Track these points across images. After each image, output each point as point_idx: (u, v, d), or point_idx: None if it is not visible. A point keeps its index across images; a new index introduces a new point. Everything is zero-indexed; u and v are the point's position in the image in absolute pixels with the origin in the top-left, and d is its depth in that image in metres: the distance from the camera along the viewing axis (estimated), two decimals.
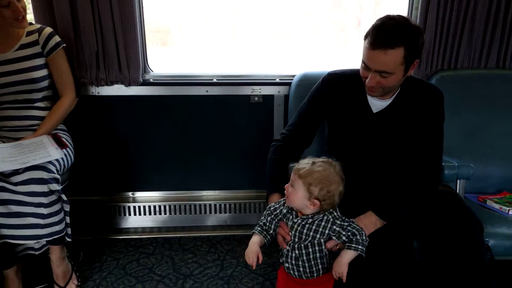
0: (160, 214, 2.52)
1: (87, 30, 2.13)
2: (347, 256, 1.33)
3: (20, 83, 1.88)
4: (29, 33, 1.91)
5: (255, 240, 1.43)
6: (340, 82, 1.65)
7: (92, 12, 2.10)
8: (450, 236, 1.42)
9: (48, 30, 1.94)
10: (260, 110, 2.40)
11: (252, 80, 2.38)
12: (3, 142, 1.83)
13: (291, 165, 1.69)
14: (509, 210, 1.83)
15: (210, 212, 2.54)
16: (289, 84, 2.27)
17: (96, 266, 2.15)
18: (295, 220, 1.37)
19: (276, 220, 1.43)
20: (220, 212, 2.55)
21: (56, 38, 1.94)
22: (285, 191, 1.38)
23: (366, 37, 1.43)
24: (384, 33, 1.36)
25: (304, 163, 1.36)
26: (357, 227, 1.35)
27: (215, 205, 2.53)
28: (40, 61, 1.92)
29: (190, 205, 2.53)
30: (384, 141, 1.62)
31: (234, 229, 2.53)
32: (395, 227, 1.51)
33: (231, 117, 2.42)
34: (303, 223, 1.35)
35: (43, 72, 1.93)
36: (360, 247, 1.32)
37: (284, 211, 1.41)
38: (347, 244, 1.34)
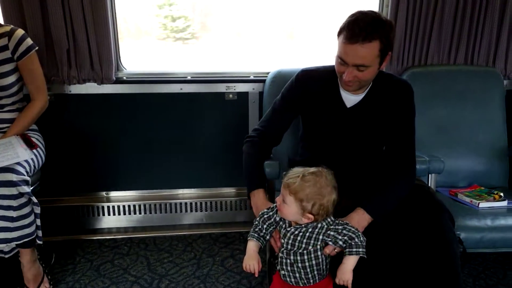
0: (135, 213, 2.49)
1: (57, 26, 2.08)
2: (351, 262, 1.31)
3: None
4: None
5: (253, 247, 1.39)
6: (313, 78, 1.66)
7: (63, 8, 2.06)
8: (422, 229, 1.44)
9: (19, 33, 1.84)
10: (235, 107, 2.39)
11: (226, 77, 2.37)
12: None
13: (266, 162, 1.70)
14: (479, 203, 1.88)
15: (186, 211, 2.53)
16: (263, 81, 2.27)
17: (69, 268, 2.11)
18: (288, 229, 1.34)
19: (271, 228, 1.41)
20: (196, 211, 2.54)
21: (28, 42, 1.85)
22: (276, 203, 1.36)
23: (340, 32, 1.45)
24: (361, 27, 1.38)
25: (294, 176, 1.31)
26: (353, 229, 1.32)
27: (191, 203, 2.52)
28: (9, 66, 1.84)
29: (166, 204, 2.50)
30: (358, 135, 1.64)
31: (211, 227, 2.52)
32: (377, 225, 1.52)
33: (206, 115, 2.41)
34: (296, 232, 1.33)
35: (12, 78, 1.85)
36: (360, 250, 1.30)
37: (277, 219, 1.39)
38: (347, 250, 1.31)
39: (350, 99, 1.61)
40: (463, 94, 2.24)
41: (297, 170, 1.34)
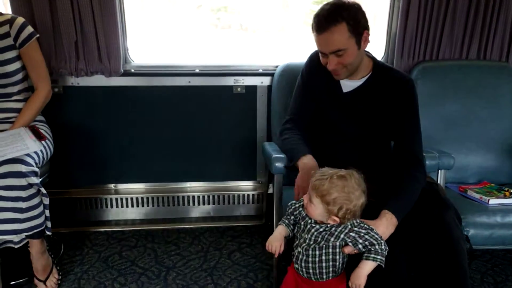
0: (143, 206, 2.50)
1: (65, 19, 2.07)
2: (367, 267, 1.29)
3: None
4: (0, 25, 1.82)
5: (281, 230, 1.42)
6: (319, 62, 1.69)
7: (71, 0, 2.05)
8: (427, 227, 1.44)
9: (20, 20, 1.85)
10: (243, 101, 2.38)
11: (235, 70, 2.36)
12: None
13: (274, 156, 1.72)
14: (489, 199, 1.86)
15: (193, 204, 2.53)
16: (272, 74, 2.26)
17: (78, 260, 2.13)
18: (314, 225, 1.34)
19: (297, 220, 1.42)
20: (204, 204, 2.54)
21: (29, 29, 1.86)
22: (303, 201, 1.36)
23: (311, 28, 1.53)
24: (323, 16, 1.47)
25: (322, 178, 1.29)
26: (376, 236, 1.30)
27: (198, 196, 2.52)
28: (12, 53, 1.84)
29: (173, 197, 2.51)
30: (354, 121, 1.66)
31: (218, 221, 2.53)
32: None
33: (214, 108, 2.40)
34: (321, 229, 1.32)
35: (16, 65, 1.86)
36: (379, 257, 1.28)
37: (303, 213, 1.38)
38: (365, 254, 1.30)
39: (348, 84, 1.65)
40: (474, 89, 2.21)
41: (326, 171, 1.31)
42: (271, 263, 2.10)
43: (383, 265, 1.29)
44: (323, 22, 1.46)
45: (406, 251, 1.48)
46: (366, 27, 1.52)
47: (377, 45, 2.40)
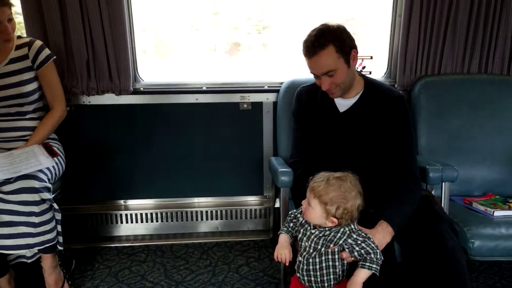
0: (152, 221, 2.54)
1: (77, 40, 2.15)
2: (361, 275, 1.33)
3: (11, 97, 1.89)
4: (19, 47, 1.91)
5: (285, 238, 1.47)
6: (309, 91, 1.83)
7: (83, 22, 2.13)
8: (421, 238, 1.48)
9: (38, 43, 1.94)
10: (250, 117, 2.43)
11: (241, 87, 2.41)
12: None
13: (280, 170, 1.77)
14: (493, 211, 1.86)
15: (202, 219, 2.56)
16: (277, 91, 2.31)
17: (89, 274, 2.16)
18: (313, 231, 1.37)
19: (296, 227, 1.46)
20: (212, 219, 2.57)
21: (46, 51, 1.94)
22: (302, 206, 1.40)
23: (303, 53, 1.63)
24: (311, 42, 1.57)
25: (319, 180, 1.35)
26: (372, 245, 1.33)
27: (206, 211, 2.55)
28: (29, 75, 1.92)
29: (182, 212, 2.55)
30: (353, 139, 1.72)
31: (226, 236, 2.55)
32: None
33: (221, 124, 2.45)
34: (320, 234, 1.36)
35: (33, 86, 1.94)
36: (374, 266, 1.32)
37: (302, 220, 1.43)
38: (361, 262, 1.33)
39: (343, 104, 1.74)
40: (477, 102, 2.23)
41: (322, 174, 1.37)
42: (279, 276, 2.12)
43: (377, 274, 1.32)
44: (311, 47, 1.57)
45: (403, 262, 1.51)
46: (353, 46, 1.62)
47: (379, 61, 2.45)
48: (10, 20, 1.80)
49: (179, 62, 2.73)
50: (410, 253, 1.51)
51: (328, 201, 1.31)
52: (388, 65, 2.44)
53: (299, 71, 2.02)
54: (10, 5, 1.78)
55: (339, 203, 1.31)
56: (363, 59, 2.33)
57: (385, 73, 2.45)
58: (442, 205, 1.80)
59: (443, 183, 1.83)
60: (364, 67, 2.34)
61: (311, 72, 1.65)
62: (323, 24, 1.61)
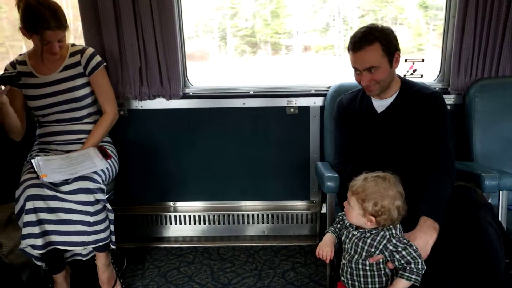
0: (200, 223, 2.59)
1: (131, 48, 2.25)
2: (399, 285, 1.31)
3: (65, 102, 1.99)
4: (72, 54, 2.02)
5: (330, 237, 1.49)
6: (350, 99, 1.89)
7: (136, 31, 2.22)
8: (460, 230, 1.45)
9: (90, 50, 2.04)
10: (296, 121, 2.42)
11: (287, 92, 2.41)
12: (55, 155, 1.96)
13: (327, 175, 1.79)
14: None
15: (248, 222, 2.58)
16: (324, 95, 2.29)
17: (139, 273, 2.24)
18: (355, 233, 1.38)
19: (343, 228, 1.47)
20: (258, 223, 2.58)
21: (97, 58, 2.04)
22: (344, 208, 1.41)
23: (348, 49, 1.70)
24: (359, 37, 1.63)
25: (358, 179, 1.38)
26: (413, 254, 1.30)
27: (253, 215, 2.57)
28: (82, 80, 2.02)
29: (229, 215, 2.58)
30: (392, 138, 1.73)
31: (272, 240, 2.56)
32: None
33: (268, 128, 2.46)
34: (361, 236, 1.35)
35: (85, 91, 2.04)
36: (413, 276, 1.29)
37: (347, 223, 1.44)
38: (400, 272, 1.31)
39: (380, 105, 1.78)
40: None
41: (362, 175, 1.39)
42: (325, 283, 2.09)
43: (418, 285, 1.29)
44: (358, 42, 1.63)
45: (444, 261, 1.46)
46: (398, 49, 1.69)
47: (431, 64, 2.36)
48: (61, 41, 1.89)
49: (225, 67, 2.78)
50: (446, 245, 1.46)
51: (365, 198, 1.31)
52: (440, 68, 2.35)
53: (347, 75, 2.00)
54: (65, 28, 1.87)
55: (376, 199, 1.30)
56: (414, 61, 2.27)
57: (437, 76, 2.36)
58: (500, 216, 1.71)
59: (501, 192, 1.74)
60: (415, 70, 2.27)
61: (353, 67, 1.70)
62: (372, 23, 1.68)
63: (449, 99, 2.26)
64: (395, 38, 1.68)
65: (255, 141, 2.49)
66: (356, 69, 1.70)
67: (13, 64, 2.02)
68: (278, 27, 2.72)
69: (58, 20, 1.82)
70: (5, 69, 2.02)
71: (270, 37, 2.72)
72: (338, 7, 2.63)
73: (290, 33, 2.71)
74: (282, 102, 2.40)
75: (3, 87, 1.74)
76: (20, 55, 2.05)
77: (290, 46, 2.71)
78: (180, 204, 2.61)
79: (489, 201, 1.74)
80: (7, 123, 1.92)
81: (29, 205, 1.72)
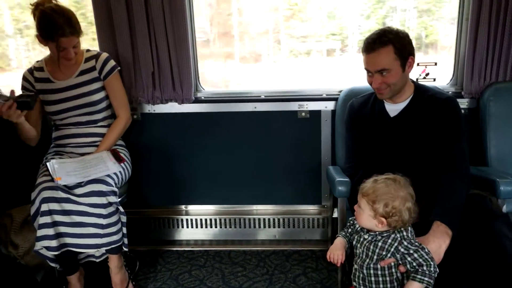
0: (211, 227, 2.60)
1: (144, 53, 2.28)
2: (412, 287, 1.30)
3: (82, 106, 2.03)
4: (87, 60, 2.06)
5: (340, 241, 1.49)
6: (361, 103, 1.87)
7: (149, 37, 2.25)
8: (473, 238, 1.44)
9: (104, 55, 2.08)
10: (308, 125, 2.42)
11: (299, 96, 2.42)
12: (70, 157, 1.99)
13: (338, 180, 1.78)
14: None
15: (260, 226, 2.58)
16: (335, 99, 2.29)
17: (151, 276, 2.25)
18: (366, 237, 1.37)
19: (354, 233, 1.46)
20: (269, 227, 2.58)
21: (112, 63, 2.08)
22: (355, 212, 1.41)
23: (361, 50, 1.70)
24: (373, 39, 1.63)
25: (368, 182, 1.37)
26: (425, 256, 1.28)
27: (264, 219, 2.57)
28: (97, 85, 2.06)
29: (240, 219, 2.58)
30: (405, 143, 1.72)
31: (283, 244, 2.55)
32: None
33: (279, 132, 2.47)
34: (372, 239, 1.34)
35: (101, 95, 2.07)
36: (426, 279, 1.27)
37: (358, 227, 1.43)
38: (412, 274, 1.29)
39: (393, 109, 1.77)
40: None
41: (372, 177, 1.39)
42: None
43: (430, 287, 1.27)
44: (371, 43, 1.63)
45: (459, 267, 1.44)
46: (412, 53, 1.67)
47: (443, 68, 2.35)
48: (76, 47, 1.93)
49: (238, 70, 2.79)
50: (459, 249, 1.44)
51: (375, 199, 1.31)
52: (454, 72, 2.33)
53: (358, 79, 2.00)
54: (79, 34, 1.91)
55: (387, 200, 1.29)
56: (426, 65, 2.25)
57: (450, 80, 2.34)
58: None
59: None
60: (427, 74, 2.26)
61: (365, 68, 1.70)
62: (388, 26, 1.68)
63: (463, 103, 2.23)
64: (409, 42, 1.66)
65: (266, 145, 2.49)
66: (368, 71, 1.70)
67: (30, 71, 2.06)
68: (334, 28, 2.71)
69: (72, 27, 1.86)
70: (23, 78, 2.06)
71: (325, 38, 2.71)
72: (395, 6, 2.60)
73: (342, 34, 2.69)
74: (294, 106, 2.40)
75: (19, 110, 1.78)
76: (37, 61, 2.09)
77: (345, 47, 2.71)
78: (192, 208, 2.63)
79: (504, 206, 1.72)
80: (24, 136, 2.00)
81: (44, 207, 1.75)
